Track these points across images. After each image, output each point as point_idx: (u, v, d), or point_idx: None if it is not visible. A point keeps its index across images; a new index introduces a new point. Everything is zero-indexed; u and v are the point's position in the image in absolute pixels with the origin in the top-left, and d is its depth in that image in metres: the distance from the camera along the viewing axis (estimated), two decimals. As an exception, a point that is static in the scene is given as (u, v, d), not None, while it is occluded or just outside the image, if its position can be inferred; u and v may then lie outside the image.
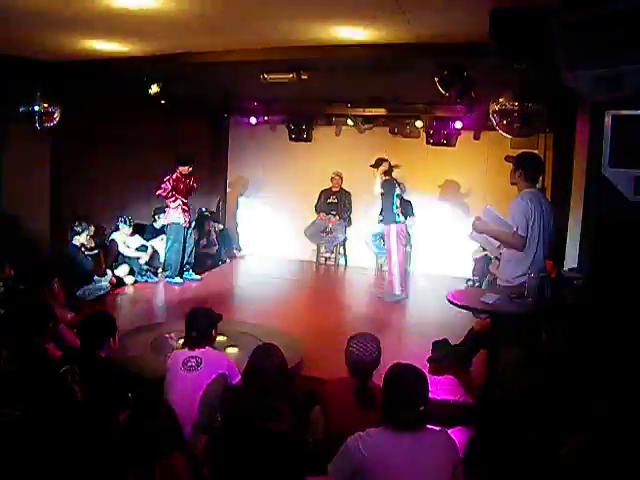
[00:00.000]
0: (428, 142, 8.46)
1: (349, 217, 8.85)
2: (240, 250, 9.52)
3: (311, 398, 3.18)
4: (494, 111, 4.54)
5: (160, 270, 7.62)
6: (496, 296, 3.77)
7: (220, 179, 9.95)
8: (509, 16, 3.49)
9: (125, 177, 7.69)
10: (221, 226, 9.27)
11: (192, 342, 3.48)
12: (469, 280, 7.52)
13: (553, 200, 5.44)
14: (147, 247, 7.50)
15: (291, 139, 9.25)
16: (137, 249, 7.39)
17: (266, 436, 2.64)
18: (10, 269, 5.18)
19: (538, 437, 3.05)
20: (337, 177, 8.72)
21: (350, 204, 8.79)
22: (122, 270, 7.12)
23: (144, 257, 7.42)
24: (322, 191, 8.84)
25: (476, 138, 8.36)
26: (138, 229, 7.60)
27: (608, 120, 2.82)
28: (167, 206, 7.35)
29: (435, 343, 4.82)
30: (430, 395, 2.47)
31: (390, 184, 6.81)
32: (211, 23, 4.38)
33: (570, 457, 2.68)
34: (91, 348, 3.24)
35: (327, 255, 9.07)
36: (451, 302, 3.76)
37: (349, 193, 8.80)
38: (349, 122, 8.79)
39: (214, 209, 9.59)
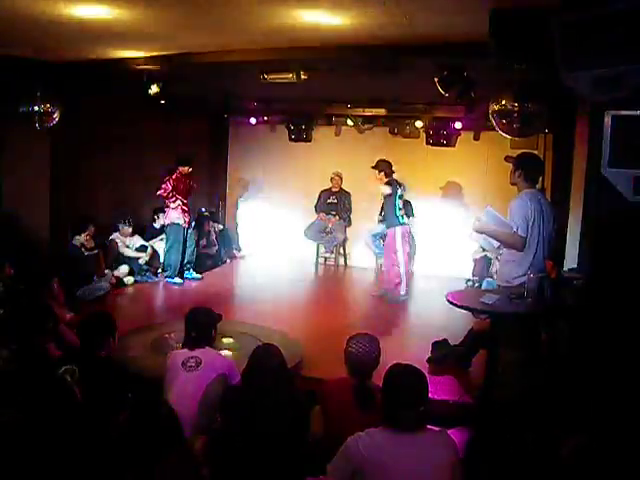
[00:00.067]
0: (428, 142, 8.44)
1: (349, 217, 8.83)
2: (240, 250, 9.49)
3: (311, 398, 3.17)
4: (494, 111, 4.53)
5: (160, 270, 7.61)
6: (496, 296, 3.78)
7: (220, 179, 9.94)
8: (509, 16, 3.49)
9: (125, 177, 7.70)
10: (221, 226, 9.25)
11: (192, 342, 3.48)
12: (469, 280, 7.51)
13: (553, 200, 5.44)
14: (147, 247, 7.49)
15: (291, 139, 9.22)
16: (137, 249, 7.39)
17: (266, 436, 2.65)
18: (10, 269, 5.18)
19: (538, 437, 3.05)
20: (337, 177, 8.71)
21: (350, 204, 8.78)
22: (122, 270, 7.11)
23: (144, 257, 7.41)
24: (322, 191, 8.82)
25: (476, 138, 8.35)
26: (138, 229, 7.60)
27: (608, 120, 2.82)
28: (167, 206, 7.35)
29: (435, 343, 4.82)
30: (430, 395, 2.47)
31: (392, 186, 6.80)
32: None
33: (570, 457, 2.68)
34: (91, 348, 3.24)
35: (327, 255, 9.06)
36: (451, 302, 3.76)
37: (349, 193, 8.79)
38: (349, 122, 8.77)
39: (214, 209, 9.58)
